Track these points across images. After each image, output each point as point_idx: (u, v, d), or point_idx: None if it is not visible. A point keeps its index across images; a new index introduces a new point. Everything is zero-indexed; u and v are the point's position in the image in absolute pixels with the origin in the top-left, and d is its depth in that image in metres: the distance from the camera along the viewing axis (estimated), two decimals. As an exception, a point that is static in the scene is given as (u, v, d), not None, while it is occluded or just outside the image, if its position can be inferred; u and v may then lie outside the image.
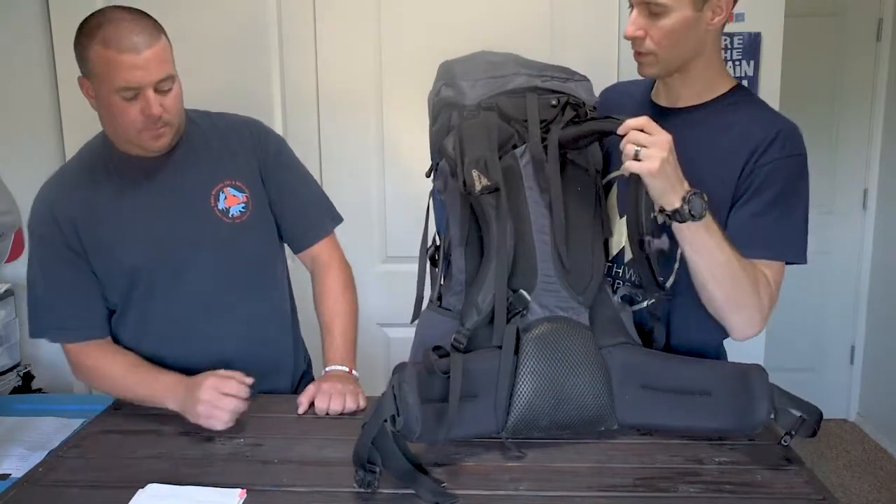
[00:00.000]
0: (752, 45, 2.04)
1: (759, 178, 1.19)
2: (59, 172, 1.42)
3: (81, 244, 1.33)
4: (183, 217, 1.36)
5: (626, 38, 1.23)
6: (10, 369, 2.17)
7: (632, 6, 1.21)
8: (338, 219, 1.55)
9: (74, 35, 1.26)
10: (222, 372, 1.28)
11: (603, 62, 2.04)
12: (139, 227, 1.34)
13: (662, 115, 1.23)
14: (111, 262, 1.34)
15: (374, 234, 2.18)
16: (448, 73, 1.27)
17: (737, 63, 2.04)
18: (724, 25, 1.23)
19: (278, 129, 2.12)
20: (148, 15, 1.27)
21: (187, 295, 1.38)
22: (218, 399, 1.24)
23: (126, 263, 1.34)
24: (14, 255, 2.24)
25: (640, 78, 1.31)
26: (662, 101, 1.32)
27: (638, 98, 1.37)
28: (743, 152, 1.20)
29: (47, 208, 1.34)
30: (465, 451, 1.17)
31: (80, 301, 1.36)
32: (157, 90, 1.24)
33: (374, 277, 2.16)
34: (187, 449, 1.21)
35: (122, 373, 1.36)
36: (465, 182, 1.15)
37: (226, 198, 1.38)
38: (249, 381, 1.28)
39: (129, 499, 1.05)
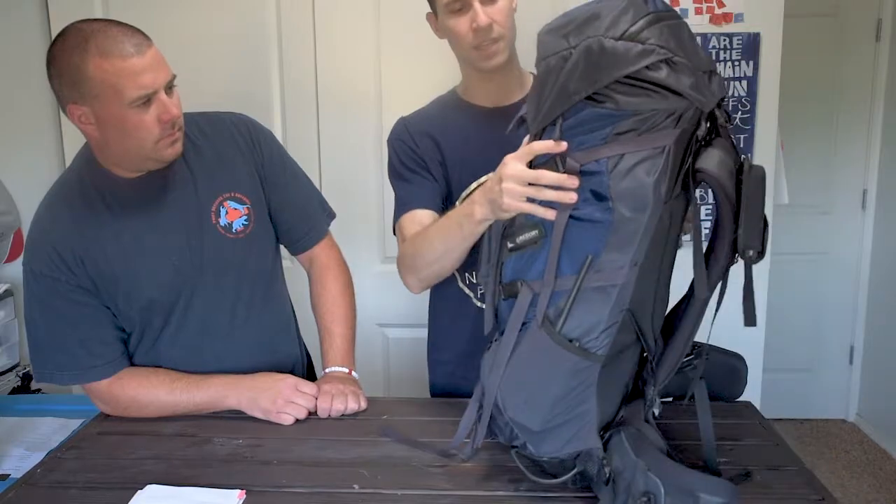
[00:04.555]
0: (751, 46, 2.04)
1: None
2: (51, 204, 1.28)
3: (93, 281, 1.26)
4: (188, 240, 1.30)
5: (481, 29, 1.25)
6: (10, 369, 2.17)
7: (461, 8, 1.26)
8: (332, 215, 1.54)
9: (51, 64, 1.14)
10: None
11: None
12: (147, 258, 1.27)
13: (505, 115, 1.30)
14: (123, 297, 1.28)
15: (374, 234, 2.18)
16: (671, 34, 0.90)
17: (736, 63, 2.04)
18: None
19: (278, 129, 2.12)
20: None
21: (198, 318, 1.34)
22: (296, 395, 1.31)
23: (140, 299, 1.29)
24: (14, 256, 2.24)
25: (413, 114, 1.42)
26: (491, 102, 1.38)
27: (459, 117, 1.40)
28: None
29: (51, 248, 1.24)
30: (465, 451, 1.17)
31: (98, 338, 1.29)
32: (165, 92, 1.18)
33: (373, 277, 2.16)
34: (186, 450, 1.21)
35: (166, 391, 1.31)
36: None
37: (227, 212, 1.33)
38: (315, 391, 1.33)
39: (129, 499, 1.04)
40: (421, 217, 1.37)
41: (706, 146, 0.94)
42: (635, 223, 0.92)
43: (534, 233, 0.99)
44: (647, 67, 0.88)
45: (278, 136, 1.87)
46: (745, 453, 1.14)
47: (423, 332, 1.59)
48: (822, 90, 3.15)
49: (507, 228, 1.04)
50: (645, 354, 1.05)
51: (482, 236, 1.14)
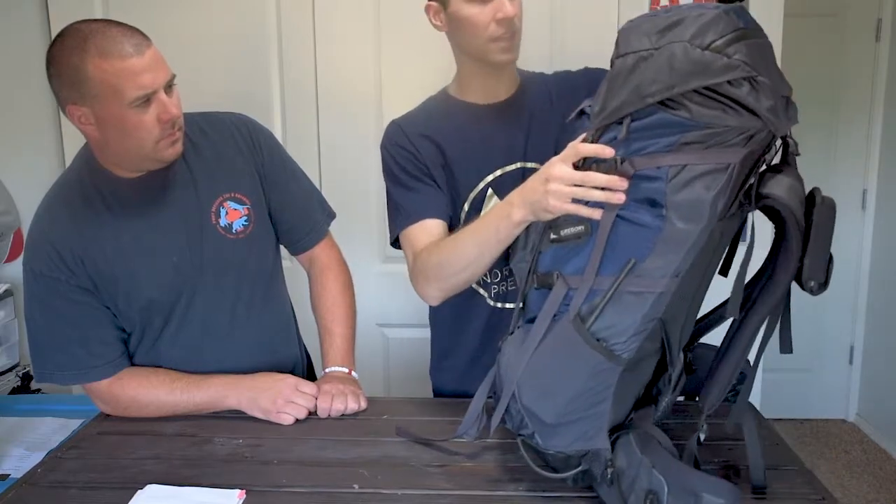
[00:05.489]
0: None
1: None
2: (51, 204, 1.28)
3: (92, 281, 1.25)
4: (188, 240, 1.30)
5: (506, 19, 1.23)
6: (10, 369, 2.17)
7: None
8: (332, 214, 1.54)
9: (50, 65, 1.14)
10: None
11: (603, 49, 2.05)
12: (147, 258, 1.27)
13: (503, 110, 1.35)
14: (123, 297, 1.28)
15: (374, 234, 2.18)
16: (753, 54, 0.90)
17: (736, 63, 2.04)
18: None
19: (278, 129, 2.12)
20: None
21: (198, 318, 1.34)
22: (296, 395, 1.31)
23: (140, 299, 1.29)
24: (14, 256, 2.24)
25: (402, 119, 1.40)
26: (485, 99, 1.38)
27: (455, 115, 1.39)
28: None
29: (51, 248, 1.23)
30: (465, 451, 1.17)
31: (98, 338, 1.29)
32: (165, 92, 1.17)
33: (373, 277, 2.16)
34: (186, 450, 1.21)
35: (166, 391, 1.31)
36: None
37: (227, 213, 1.33)
38: (315, 390, 1.34)
39: (129, 499, 1.04)
40: (432, 227, 1.33)
41: (772, 171, 0.92)
42: (686, 235, 0.90)
43: (580, 228, 0.98)
44: (728, 82, 0.87)
45: (278, 136, 1.87)
46: (745, 453, 1.14)
47: (423, 332, 1.59)
48: (822, 90, 3.15)
49: (555, 218, 1.02)
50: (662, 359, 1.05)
51: None
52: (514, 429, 1.06)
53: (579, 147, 0.98)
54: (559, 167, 1.00)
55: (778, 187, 0.91)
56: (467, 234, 1.23)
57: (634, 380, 1.01)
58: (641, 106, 0.90)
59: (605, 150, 0.94)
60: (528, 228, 1.09)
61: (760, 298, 0.97)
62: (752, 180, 0.91)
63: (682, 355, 1.03)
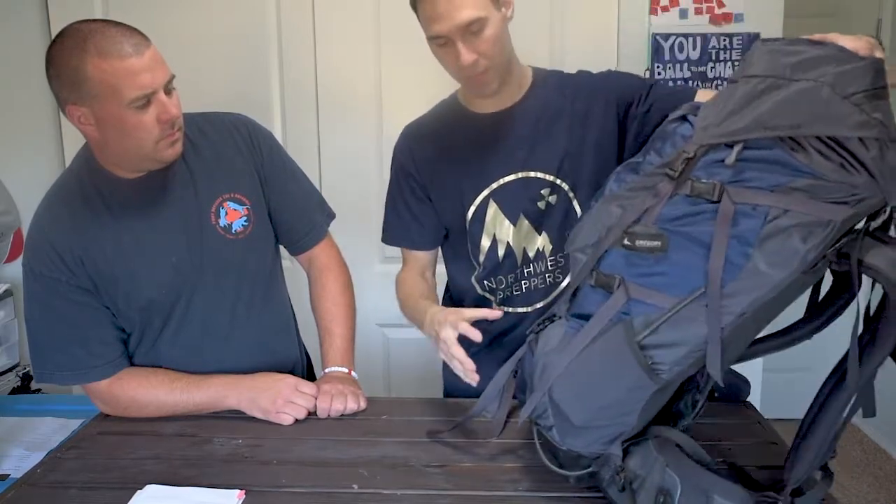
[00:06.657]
0: (751, 46, 2.03)
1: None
2: (51, 204, 1.28)
3: (92, 281, 1.25)
4: (187, 241, 1.30)
5: (465, 66, 1.22)
6: (10, 370, 2.17)
7: (445, 43, 1.22)
8: (332, 215, 1.54)
9: (50, 66, 1.14)
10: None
11: (603, 49, 2.05)
12: (147, 259, 1.27)
13: (507, 118, 1.35)
14: (123, 297, 1.28)
15: (374, 234, 2.17)
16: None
17: (736, 63, 2.04)
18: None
19: (278, 129, 2.13)
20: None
21: (198, 318, 1.34)
22: (296, 395, 1.31)
23: (140, 299, 1.29)
24: (14, 256, 2.24)
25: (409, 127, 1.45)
26: (491, 108, 1.37)
27: (462, 126, 1.39)
28: (608, 105, 1.32)
29: (50, 248, 1.23)
30: (465, 451, 1.17)
31: (97, 338, 1.29)
32: (164, 92, 1.17)
33: (373, 277, 2.16)
34: (186, 450, 1.21)
35: (166, 391, 1.31)
36: None
37: (226, 213, 1.33)
38: (315, 391, 1.34)
39: (128, 500, 1.04)
40: (420, 258, 1.49)
41: (873, 237, 0.88)
42: (765, 279, 0.85)
43: (656, 243, 0.94)
44: (859, 139, 0.82)
45: (278, 136, 1.87)
46: (745, 453, 1.14)
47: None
48: (822, 90, 3.15)
49: (633, 224, 0.97)
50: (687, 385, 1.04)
51: (589, 209, 1.08)
52: (533, 416, 1.04)
53: (463, 316, 1.17)
54: (445, 331, 1.17)
55: (881, 259, 0.85)
56: (410, 308, 1.41)
57: (664, 397, 0.99)
58: (760, 136, 0.85)
59: (473, 333, 1.14)
60: (596, 218, 1.03)
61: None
62: (845, 240, 0.86)
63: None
